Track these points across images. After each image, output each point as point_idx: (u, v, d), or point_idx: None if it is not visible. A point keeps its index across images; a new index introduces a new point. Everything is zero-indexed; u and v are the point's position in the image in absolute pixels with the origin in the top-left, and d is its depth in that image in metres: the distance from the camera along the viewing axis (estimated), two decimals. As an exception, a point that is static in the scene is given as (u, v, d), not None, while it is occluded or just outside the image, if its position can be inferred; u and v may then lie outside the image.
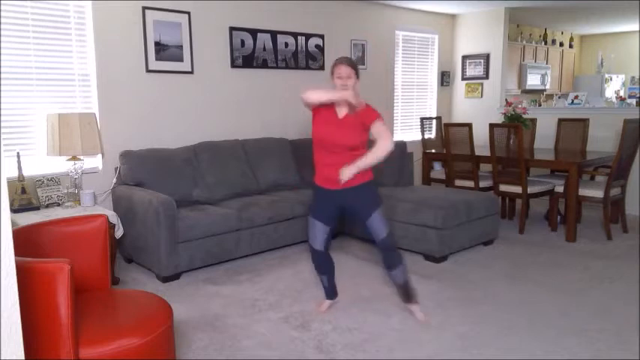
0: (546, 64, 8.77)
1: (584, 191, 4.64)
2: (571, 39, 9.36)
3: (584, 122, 5.39)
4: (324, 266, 3.09)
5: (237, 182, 4.50)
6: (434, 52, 7.11)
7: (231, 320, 3.04)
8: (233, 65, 4.95)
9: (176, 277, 3.74)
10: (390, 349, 2.69)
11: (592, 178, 5.31)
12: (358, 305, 3.24)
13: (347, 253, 4.31)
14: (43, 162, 3.91)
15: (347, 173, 2.70)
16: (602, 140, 5.73)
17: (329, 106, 2.85)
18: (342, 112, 2.84)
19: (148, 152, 4.19)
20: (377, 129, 2.75)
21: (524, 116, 5.40)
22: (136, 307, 2.18)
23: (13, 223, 3.11)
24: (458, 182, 5.25)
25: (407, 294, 3.03)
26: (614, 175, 4.53)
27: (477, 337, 2.80)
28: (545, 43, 8.78)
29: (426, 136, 6.22)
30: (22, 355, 1.26)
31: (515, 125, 5.00)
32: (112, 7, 4.15)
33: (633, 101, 6.81)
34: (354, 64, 2.81)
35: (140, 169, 4.06)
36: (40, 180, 3.76)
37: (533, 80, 8.41)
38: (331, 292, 3.20)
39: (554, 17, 7.73)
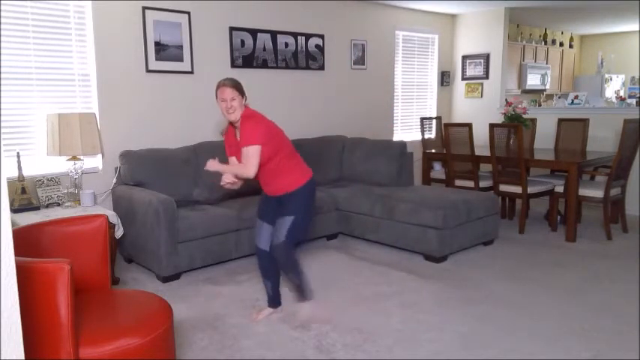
0: (546, 64, 8.77)
1: (584, 191, 4.64)
2: (571, 39, 9.36)
3: (584, 122, 5.39)
4: (269, 270, 3.03)
5: (237, 182, 4.49)
6: (434, 52, 7.11)
7: (231, 320, 3.04)
8: (233, 65, 4.95)
9: (176, 277, 3.73)
10: (390, 349, 2.68)
11: (592, 178, 5.31)
12: (358, 305, 3.24)
13: (347, 253, 4.31)
14: (43, 162, 3.91)
15: (211, 166, 2.78)
16: (602, 140, 5.73)
17: (232, 136, 2.91)
18: (239, 133, 2.85)
19: (148, 152, 4.18)
20: (244, 153, 2.74)
21: (524, 116, 5.40)
22: (136, 307, 2.18)
23: (13, 223, 3.11)
24: (458, 182, 5.25)
25: (299, 293, 3.01)
26: (614, 175, 4.53)
27: (477, 337, 2.80)
28: (545, 43, 8.78)
29: (426, 136, 6.21)
30: (22, 355, 1.26)
31: (515, 125, 5.00)
32: (112, 7, 4.15)
33: (633, 101, 6.81)
34: (236, 83, 2.81)
35: (140, 169, 4.06)
36: (40, 180, 3.76)
37: (533, 80, 8.41)
38: (275, 300, 3.12)
39: (554, 17, 7.73)
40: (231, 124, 2.88)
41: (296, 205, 2.87)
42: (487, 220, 4.37)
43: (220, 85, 2.78)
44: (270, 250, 2.93)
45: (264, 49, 5.17)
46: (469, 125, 5.01)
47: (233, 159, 2.94)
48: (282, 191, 2.88)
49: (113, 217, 3.57)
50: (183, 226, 3.69)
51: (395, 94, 6.66)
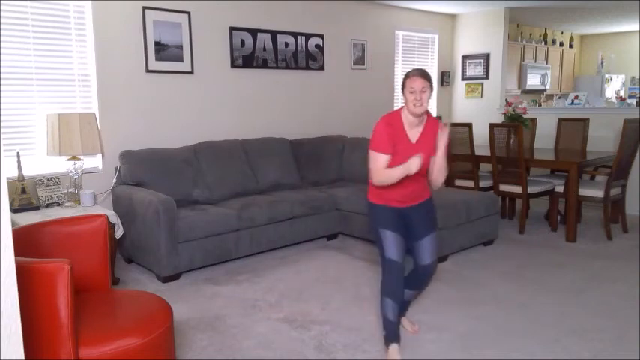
0: (546, 64, 8.77)
1: (584, 191, 4.64)
2: (571, 39, 9.36)
3: (584, 122, 5.39)
4: (399, 288, 2.56)
5: (237, 182, 4.50)
6: (434, 52, 7.11)
7: (231, 320, 3.04)
8: (233, 65, 4.95)
9: (176, 277, 3.73)
10: (390, 349, 2.68)
11: (592, 178, 5.31)
12: (358, 305, 3.24)
13: (347, 253, 4.30)
14: (43, 162, 3.91)
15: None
16: (602, 140, 5.73)
17: (400, 134, 2.60)
18: (414, 135, 2.62)
19: (148, 152, 4.18)
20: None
21: (524, 116, 5.40)
22: (136, 307, 2.18)
23: (13, 223, 3.11)
24: (458, 182, 5.24)
25: (404, 310, 2.90)
26: (614, 175, 4.53)
27: (477, 337, 2.80)
28: (545, 43, 8.77)
29: (426, 136, 6.21)
30: (22, 355, 1.26)
31: (515, 125, 4.99)
32: (112, 7, 4.15)
33: (633, 101, 6.81)
34: (429, 75, 2.57)
35: (140, 169, 4.06)
36: (40, 180, 3.76)
37: (533, 80, 8.41)
38: (397, 332, 2.61)
39: (554, 17, 7.73)
40: (404, 121, 2.61)
41: (435, 213, 2.75)
42: (487, 220, 4.37)
43: (411, 74, 2.58)
44: (426, 269, 2.68)
45: (264, 49, 5.17)
46: (469, 125, 5.01)
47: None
48: (427, 195, 2.72)
49: (113, 217, 3.57)
50: (184, 226, 3.69)
51: (395, 94, 6.66)
